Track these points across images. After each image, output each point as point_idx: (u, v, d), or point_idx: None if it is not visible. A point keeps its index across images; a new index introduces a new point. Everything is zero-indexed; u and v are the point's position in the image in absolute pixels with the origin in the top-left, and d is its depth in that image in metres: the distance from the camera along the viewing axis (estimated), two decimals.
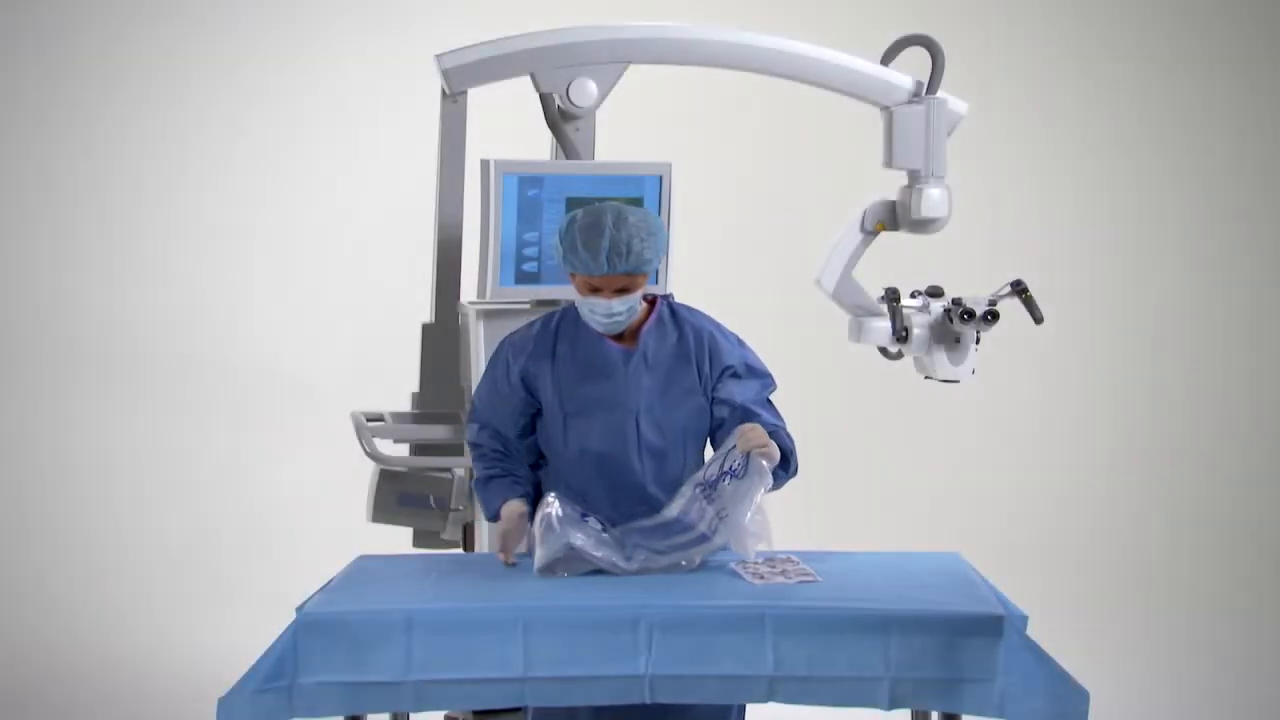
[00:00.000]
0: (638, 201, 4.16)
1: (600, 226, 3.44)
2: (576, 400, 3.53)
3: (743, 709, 3.57)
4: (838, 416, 6.66)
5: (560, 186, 4.13)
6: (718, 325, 3.65)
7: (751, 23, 4.49)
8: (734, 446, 3.42)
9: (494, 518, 3.57)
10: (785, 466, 3.48)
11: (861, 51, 4.25)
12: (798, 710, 3.31)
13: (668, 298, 3.68)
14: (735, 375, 3.58)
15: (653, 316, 3.59)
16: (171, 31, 6.47)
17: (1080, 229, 6.87)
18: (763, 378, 3.62)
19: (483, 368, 4.12)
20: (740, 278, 6.48)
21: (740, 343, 3.65)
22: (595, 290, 3.48)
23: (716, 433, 3.59)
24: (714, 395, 3.57)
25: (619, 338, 3.58)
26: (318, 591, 3.34)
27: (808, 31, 4.45)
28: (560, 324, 3.61)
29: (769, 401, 3.62)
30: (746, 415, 3.53)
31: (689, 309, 3.66)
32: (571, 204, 4.13)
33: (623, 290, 3.48)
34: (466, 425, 3.70)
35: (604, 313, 3.50)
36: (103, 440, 6.39)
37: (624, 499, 3.51)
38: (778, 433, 3.51)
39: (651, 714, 3.27)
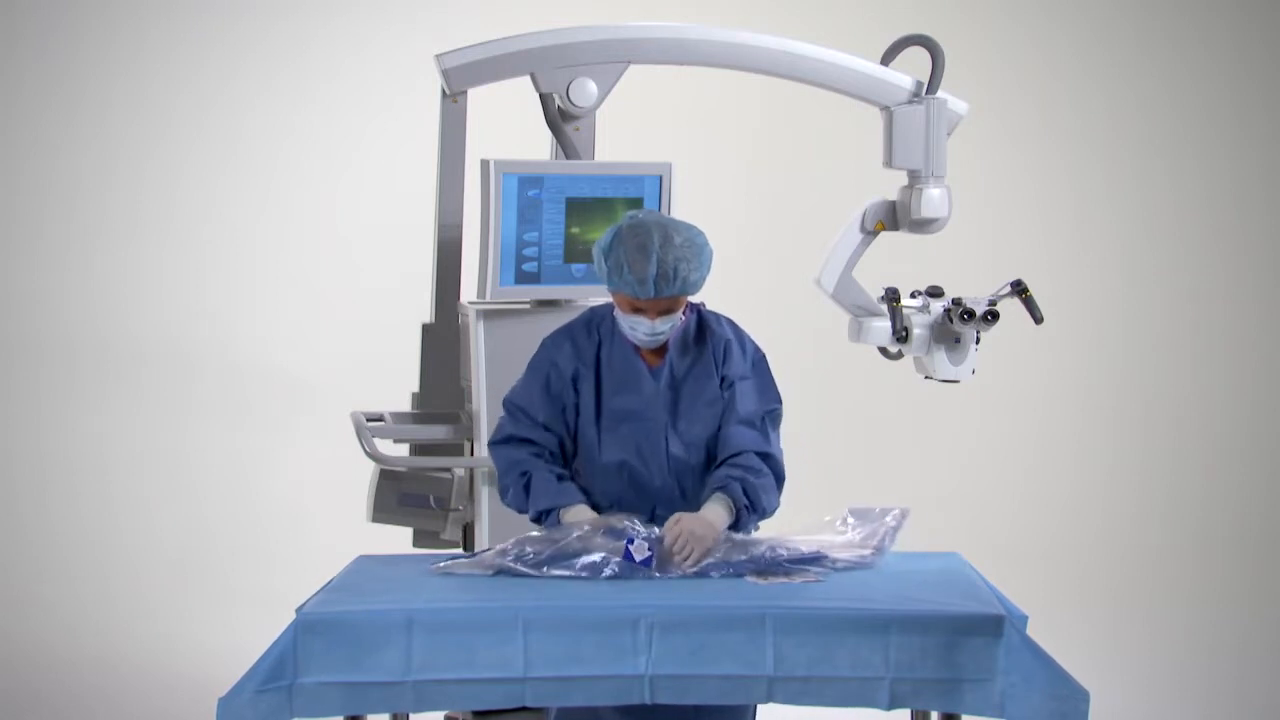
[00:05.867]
0: (638, 202, 4.16)
1: (647, 249, 3.38)
2: (610, 412, 3.51)
3: (754, 709, 3.56)
4: (838, 417, 6.66)
5: (560, 186, 4.13)
6: (740, 336, 3.59)
7: (751, 23, 4.50)
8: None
9: (541, 516, 3.48)
10: (753, 509, 3.44)
11: (861, 51, 4.25)
12: (798, 710, 3.31)
13: (698, 307, 3.61)
14: (734, 387, 3.51)
15: (679, 330, 3.54)
16: (172, 31, 6.47)
17: (1080, 229, 6.87)
18: (764, 394, 3.54)
19: (483, 367, 4.13)
20: (740, 278, 6.47)
21: (757, 360, 3.56)
22: (639, 310, 3.45)
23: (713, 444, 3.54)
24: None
25: (648, 351, 3.54)
26: (318, 591, 3.34)
27: (808, 31, 4.45)
28: (600, 329, 3.56)
29: (764, 422, 3.52)
30: (735, 438, 3.47)
31: (717, 317, 3.60)
32: (571, 204, 4.13)
33: (666, 311, 3.45)
34: (510, 418, 3.53)
35: (647, 331, 3.46)
36: (103, 440, 6.39)
37: (657, 510, 3.48)
38: (746, 478, 3.43)
39: (675, 713, 3.27)
